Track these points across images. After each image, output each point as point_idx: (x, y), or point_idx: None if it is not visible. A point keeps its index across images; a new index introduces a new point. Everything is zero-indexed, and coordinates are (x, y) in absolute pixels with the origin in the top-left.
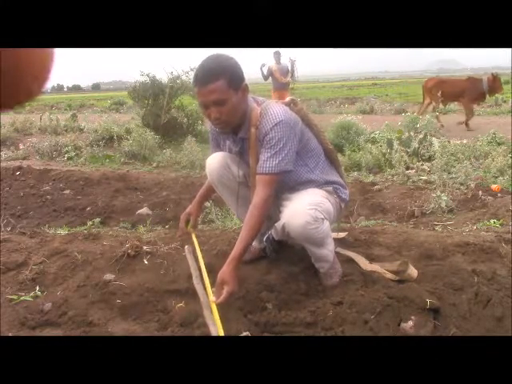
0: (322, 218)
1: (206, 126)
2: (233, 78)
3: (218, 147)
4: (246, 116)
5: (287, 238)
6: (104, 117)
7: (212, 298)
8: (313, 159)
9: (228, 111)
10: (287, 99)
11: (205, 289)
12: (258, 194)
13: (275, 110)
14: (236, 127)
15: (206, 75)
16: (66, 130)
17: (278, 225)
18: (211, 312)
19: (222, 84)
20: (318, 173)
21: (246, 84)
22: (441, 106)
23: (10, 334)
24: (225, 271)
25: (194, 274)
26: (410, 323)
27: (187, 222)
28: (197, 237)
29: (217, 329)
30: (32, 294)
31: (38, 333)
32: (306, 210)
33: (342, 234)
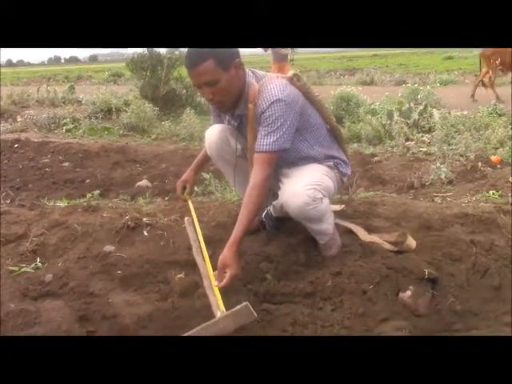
0: (321, 197)
1: None
2: (221, 56)
3: (219, 117)
4: (244, 92)
5: (286, 215)
6: (102, 89)
7: (214, 282)
8: (313, 134)
9: (220, 91)
10: (290, 73)
11: (204, 260)
12: (256, 174)
13: (273, 86)
14: (233, 104)
15: (194, 57)
16: (63, 102)
17: (277, 203)
18: (211, 285)
19: (210, 64)
20: (317, 148)
21: (238, 61)
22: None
23: (12, 305)
24: (226, 255)
25: (194, 245)
26: (408, 293)
27: (183, 189)
28: (193, 203)
29: (216, 299)
30: (33, 265)
31: (39, 303)
32: (304, 190)
33: (339, 207)
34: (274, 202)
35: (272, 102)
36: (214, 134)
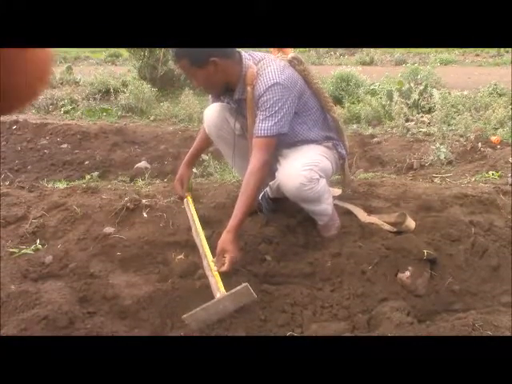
0: (318, 178)
1: None
2: (194, 57)
3: (218, 98)
4: (241, 76)
5: (282, 196)
6: (100, 69)
7: (214, 267)
8: (311, 117)
9: (201, 83)
10: (289, 56)
11: (204, 242)
12: (254, 160)
13: (271, 70)
14: (229, 89)
15: (173, 56)
16: (61, 83)
17: (273, 184)
18: (210, 268)
19: (185, 64)
20: (316, 130)
21: (213, 60)
22: None
23: (13, 287)
24: (225, 240)
25: (194, 226)
26: (407, 273)
27: (182, 186)
28: (193, 200)
29: (216, 280)
30: (33, 247)
31: (40, 285)
32: (300, 171)
33: (337, 191)
34: (271, 183)
35: (270, 86)
36: (212, 112)
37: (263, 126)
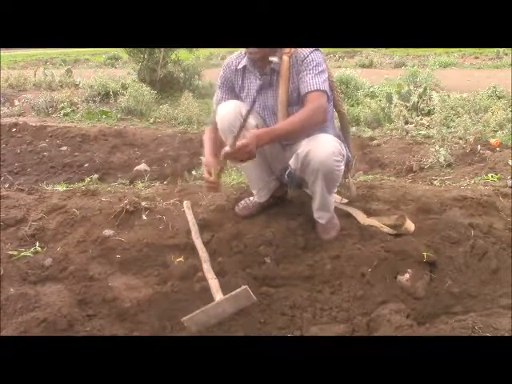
0: (344, 155)
1: (206, 79)
2: None
3: (232, 92)
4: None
5: (304, 169)
6: (99, 72)
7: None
8: (328, 111)
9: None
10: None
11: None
12: (312, 104)
13: None
14: (267, 57)
15: None
16: (61, 86)
17: (302, 152)
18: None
19: None
20: (329, 126)
21: None
22: None
23: (12, 290)
24: (252, 132)
25: (193, 229)
26: (407, 276)
27: (210, 173)
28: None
29: (216, 283)
30: (32, 249)
31: (39, 287)
32: (332, 141)
33: (337, 198)
34: (299, 151)
35: (313, 51)
36: (227, 108)
37: (316, 80)
